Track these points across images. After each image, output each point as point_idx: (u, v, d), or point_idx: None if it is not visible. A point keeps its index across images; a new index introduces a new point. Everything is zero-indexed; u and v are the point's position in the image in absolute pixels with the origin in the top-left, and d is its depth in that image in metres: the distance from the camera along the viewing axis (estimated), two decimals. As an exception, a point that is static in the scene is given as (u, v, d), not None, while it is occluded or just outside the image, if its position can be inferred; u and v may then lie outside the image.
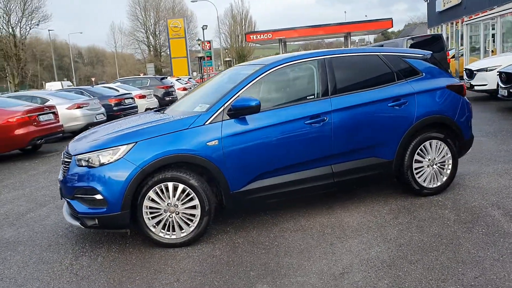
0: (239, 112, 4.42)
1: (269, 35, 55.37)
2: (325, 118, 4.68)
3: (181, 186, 4.27)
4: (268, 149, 4.52)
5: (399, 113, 4.99)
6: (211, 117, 4.43)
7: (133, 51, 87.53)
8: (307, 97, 4.86)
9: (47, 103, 12.80)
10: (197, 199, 4.30)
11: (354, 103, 4.83)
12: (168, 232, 4.32)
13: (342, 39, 62.61)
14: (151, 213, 4.28)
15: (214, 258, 4.05)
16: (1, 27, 50.94)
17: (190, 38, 72.85)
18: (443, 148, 5.21)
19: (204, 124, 4.39)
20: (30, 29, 54.41)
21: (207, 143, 4.32)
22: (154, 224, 4.30)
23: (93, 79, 60.10)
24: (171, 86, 21.91)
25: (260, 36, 56.58)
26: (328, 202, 5.28)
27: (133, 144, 4.21)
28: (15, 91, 45.49)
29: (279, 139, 4.56)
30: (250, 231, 4.63)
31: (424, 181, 5.18)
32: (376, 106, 4.92)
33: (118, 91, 17.18)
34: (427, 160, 5.16)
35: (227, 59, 59.07)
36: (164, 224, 4.31)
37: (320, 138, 4.68)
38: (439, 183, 5.26)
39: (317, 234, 4.39)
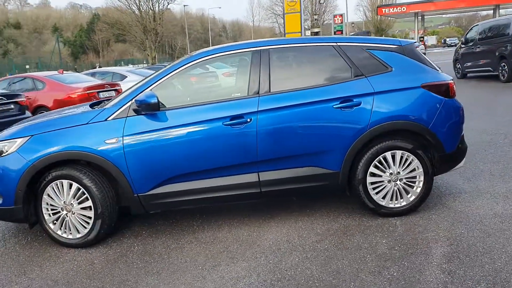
0: (141, 108, 4.04)
1: (403, 9, 52.06)
2: (249, 120, 4.07)
3: (75, 185, 4.05)
4: (179, 151, 4.07)
5: (347, 116, 4.16)
6: (114, 112, 4.11)
7: (271, 25, 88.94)
8: (234, 94, 4.29)
9: (125, 80, 13.43)
10: (90, 200, 4.06)
11: (287, 103, 4.13)
12: (66, 231, 4.17)
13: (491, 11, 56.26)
14: (52, 209, 4.15)
15: (90, 266, 3.79)
16: (143, 3, 54.90)
17: (329, 11, 71.55)
18: (412, 161, 4.26)
19: (105, 120, 4.09)
20: (168, 4, 57.89)
21: (105, 141, 4.01)
22: (55, 221, 4.17)
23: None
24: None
25: (393, 10, 53.52)
26: (273, 212, 4.67)
27: (28, 137, 4.08)
28: (151, 64, 49.24)
29: (193, 141, 4.07)
30: (159, 238, 4.27)
31: (384, 198, 4.30)
32: (316, 107, 4.15)
33: (208, 69, 17.43)
34: (388, 174, 4.27)
35: (352, 33, 56.90)
36: (63, 223, 4.16)
37: (242, 142, 4.10)
38: (404, 203, 4.33)
39: (217, 251, 3.89)
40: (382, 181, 4.28)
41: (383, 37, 4.73)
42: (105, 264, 3.80)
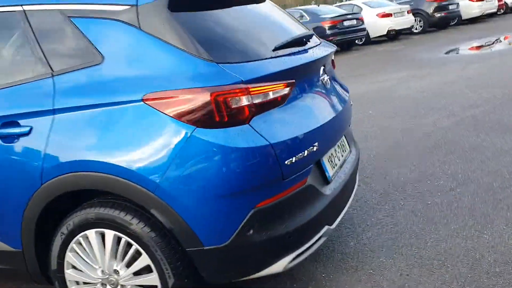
0: None
1: None
2: None
3: None
4: None
5: (9, 155, 2.12)
6: None
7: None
8: None
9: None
10: None
11: None
12: None
13: None
14: None
15: None
16: None
17: None
18: (139, 253, 2.04)
19: None
20: None
21: None
22: None
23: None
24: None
25: None
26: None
27: None
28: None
29: None
30: None
31: (103, 310, 2.21)
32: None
33: (353, 10, 14.73)
34: (98, 268, 2.14)
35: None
36: None
37: None
38: (131, 329, 2.16)
39: None
40: (94, 284, 2.17)
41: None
42: None
